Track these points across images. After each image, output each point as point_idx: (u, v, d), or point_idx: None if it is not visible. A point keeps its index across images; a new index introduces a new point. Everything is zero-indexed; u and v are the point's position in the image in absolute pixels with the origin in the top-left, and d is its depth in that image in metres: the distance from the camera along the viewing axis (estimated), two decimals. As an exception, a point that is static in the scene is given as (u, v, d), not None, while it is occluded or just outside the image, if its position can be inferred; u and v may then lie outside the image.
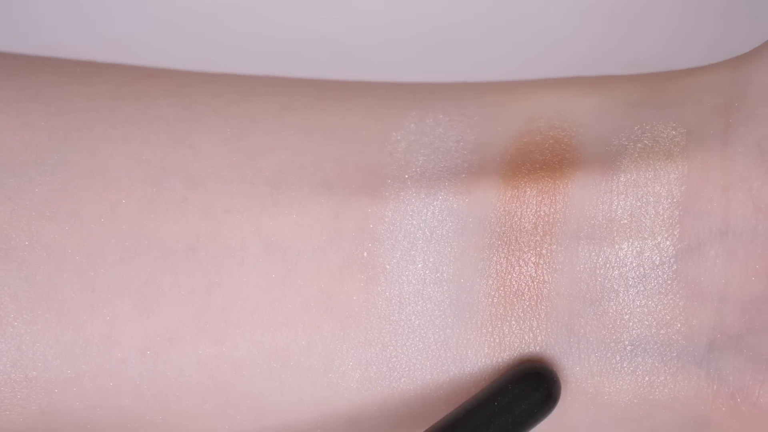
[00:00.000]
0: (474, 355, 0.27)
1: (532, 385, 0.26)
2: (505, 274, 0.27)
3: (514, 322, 0.27)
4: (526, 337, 0.27)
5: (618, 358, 0.27)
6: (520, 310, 0.27)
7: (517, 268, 0.27)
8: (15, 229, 0.27)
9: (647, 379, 0.27)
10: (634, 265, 0.27)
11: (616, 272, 0.27)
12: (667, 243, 0.27)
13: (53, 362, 0.27)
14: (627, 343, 0.27)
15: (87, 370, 0.27)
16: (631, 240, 0.27)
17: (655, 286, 0.27)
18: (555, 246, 0.27)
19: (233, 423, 0.27)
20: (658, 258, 0.27)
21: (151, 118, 0.28)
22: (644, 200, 0.27)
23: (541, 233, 0.27)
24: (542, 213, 0.27)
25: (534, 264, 0.27)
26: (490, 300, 0.27)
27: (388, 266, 0.27)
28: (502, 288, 0.27)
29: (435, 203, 0.27)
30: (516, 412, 0.26)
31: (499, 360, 0.27)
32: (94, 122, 0.28)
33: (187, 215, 0.27)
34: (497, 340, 0.27)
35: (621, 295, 0.27)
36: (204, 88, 0.29)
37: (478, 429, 0.26)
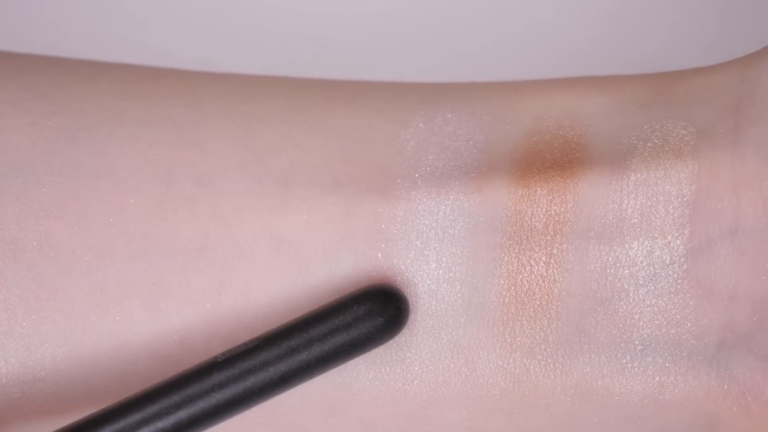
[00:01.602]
0: (486, 354, 0.27)
1: (377, 307, 0.26)
2: (516, 273, 0.27)
3: (525, 322, 0.27)
4: (537, 337, 0.27)
5: (628, 358, 0.27)
6: (531, 310, 0.27)
7: (527, 267, 0.27)
8: (23, 229, 0.27)
9: (657, 379, 0.27)
10: (645, 264, 0.27)
11: (627, 272, 0.27)
12: (678, 242, 0.27)
13: (62, 363, 0.27)
14: (637, 342, 0.27)
15: (96, 371, 0.27)
16: (641, 239, 0.27)
17: (665, 285, 0.27)
18: (565, 245, 0.27)
19: (244, 423, 0.27)
20: (669, 257, 0.27)
21: (158, 117, 0.28)
22: (654, 199, 0.27)
23: (552, 233, 0.27)
24: (553, 212, 0.27)
25: (545, 263, 0.27)
26: (501, 299, 0.27)
27: (402, 266, 0.27)
28: (513, 287, 0.27)
29: (446, 203, 0.27)
30: (354, 333, 0.25)
31: (511, 359, 0.27)
32: (101, 122, 0.28)
33: (196, 215, 0.27)
34: (508, 340, 0.27)
35: (631, 294, 0.27)
36: (211, 88, 0.29)
37: (313, 344, 0.25)
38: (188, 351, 0.27)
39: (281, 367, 0.25)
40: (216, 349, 0.27)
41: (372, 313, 0.26)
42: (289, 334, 0.25)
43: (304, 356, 0.25)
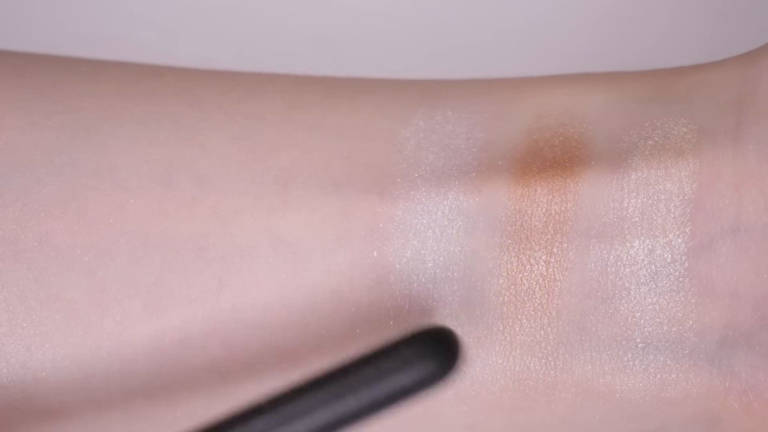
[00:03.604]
0: (485, 353, 0.27)
1: (428, 350, 0.24)
2: (515, 273, 0.27)
3: (525, 321, 0.27)
4: (537, 335, 0.27)
5: (630, 356, 0.27)
6: (531, 309, 0.27)
7: (527, 266, 0.27)
8: (23, 229, 0.27)
9: (659, 376, 0.27)
10: (646, 262, 0.27)
11: (628, 270, 0.27)
12: (679, 240, 0.27)
13: (63, 363, 0.27)
14: (639, 340, 0.27)
15: (97, 371, 0.27)
16: (642, 238, 0.27)
17: (666, 283, 0.27)
18: (566, 244, 0.27)
19: None
20: (670, 255, 0.27)
21: (158, 116, 0.28)
22: (655, 198, 0.27)
23: (552, 232, 0.27)
24: (553, 211, 0.27)
25: (545, 262, 0.27)
26: (500, 299, 0.27)
27: (398, 266, 0.27)
28: (512, 287, 0.27)
29: (445, 202, 0.27)
30: (403, 377, 0.24)
31: (510, 357, 0.27)
32: (101, 121, 0.28)
33: (196, 215, 0.27)
34: (508, 338, 0.27)
35: (632, 292, 0.27)
36: (211, 86, 0.29)
37: (357, 388, 0.24)
38: (188, 351, 0.27)
39: (326, 414, 0.23)
40: (215, 348, 0.27)
41: (422, 356, 0.24)
42: (335, 378, 0.24)
43: (351, 402, 0.24)
